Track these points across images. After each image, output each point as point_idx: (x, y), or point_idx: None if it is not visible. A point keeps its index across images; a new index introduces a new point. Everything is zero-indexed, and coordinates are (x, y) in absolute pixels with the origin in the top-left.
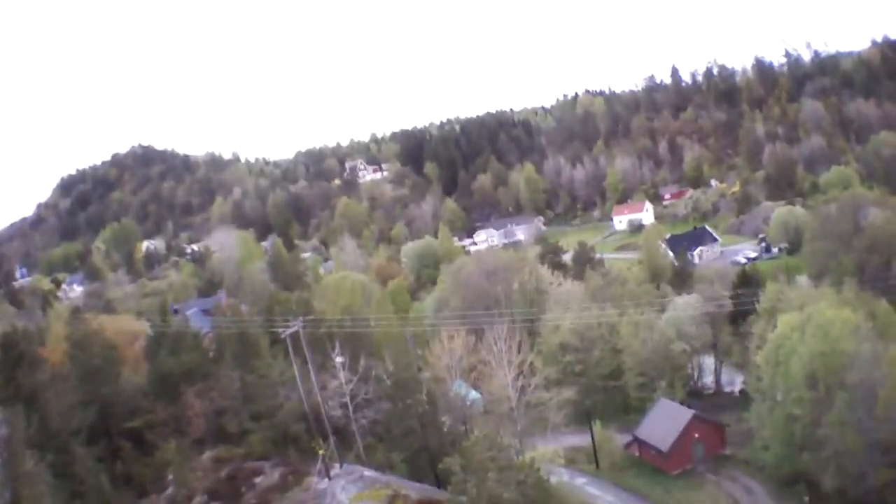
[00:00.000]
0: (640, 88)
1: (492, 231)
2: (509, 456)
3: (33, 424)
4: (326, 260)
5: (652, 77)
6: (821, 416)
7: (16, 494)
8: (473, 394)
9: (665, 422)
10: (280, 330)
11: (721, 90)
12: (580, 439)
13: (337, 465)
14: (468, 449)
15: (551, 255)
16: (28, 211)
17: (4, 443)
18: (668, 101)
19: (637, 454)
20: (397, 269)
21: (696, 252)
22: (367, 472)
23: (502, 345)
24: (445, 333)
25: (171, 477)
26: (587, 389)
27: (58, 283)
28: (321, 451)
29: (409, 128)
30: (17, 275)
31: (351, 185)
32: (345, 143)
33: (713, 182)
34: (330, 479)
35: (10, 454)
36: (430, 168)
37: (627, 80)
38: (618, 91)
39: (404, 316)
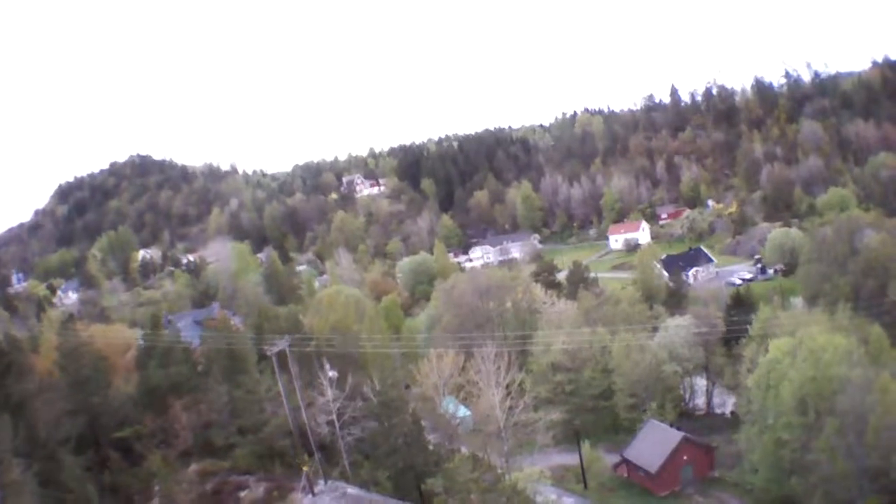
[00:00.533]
0: (638, 108)
1: (488, 248)
2: (493, 477)
3: (21, 433)
4: (321, 274)
5: (651, 97)
6: (810, 441)
7: (2, 502)
8: (463, 410)
9: (654, 443)
10: (267, 348)
11: (720, 110)
12: (569, 458)
13: (321, 482)
14: (452, 470)
15: (545, 274)
16: (26, 217)
17: None
18: (667, 120)
19: (625, 475)
20: (392, 285)
21: (692, 273)
22: (351, 490)
23: (490, 365)
24: (434, 352)
25: (157, 488)
26: (577, 409)
27: (53, 290)
28: (305, 468)
29: (407, 143)
30: (13, 280)
31: (348, 200)
32: (342, 157)
33: (710, 202)
34: (314, 495)
35: None
36: (427, 184)
37: (626, 99)
38: (616, 110)
39: (394, 336)
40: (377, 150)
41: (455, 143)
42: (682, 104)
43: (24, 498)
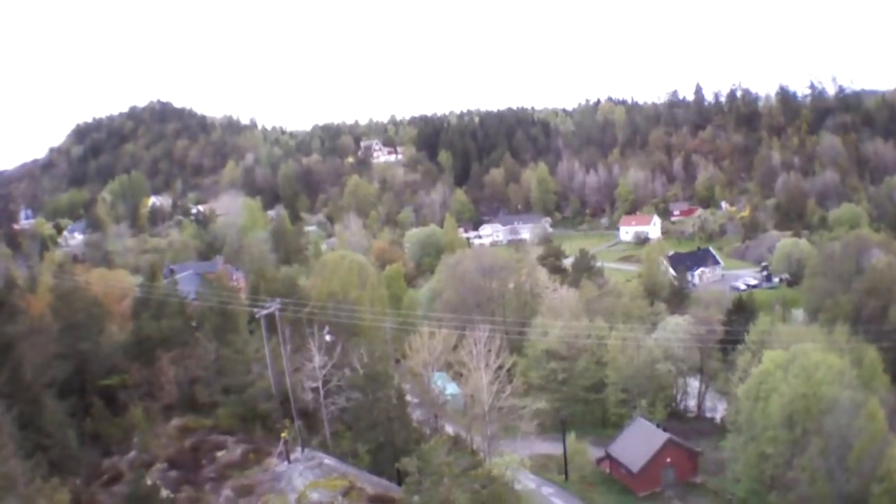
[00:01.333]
0: (661, 102)
1: (498, 226)
2: (470, 462)
3: (5, 374)
4: (330, 236)
5: (675, 92)
6: (793, 458)
7: None
8: (454, 388)
9: (639, 442)
10: (256, 310)
11: (742, 114)
12: (554, 447)
13: (299, 449)
14: (427, 451)
15: (552, 259)
16: (40, 153)
17: None
18: (689, 118)
19: (608, 471)
20: (398, 254)
21: (697, 273)
22: (328, 460)
23: (482, 348)
24: (427, 329)
25: (135, 440)
26: (567, 399)
27: (59, 230)
28: (284, 434)
29: (429, 114)
30: (21, 217)
31: (364, 165)
32: (363, 121)
33: (723, 204)
34: (290, 462)
35: None
36: (444, 156)
37: (650, 92)
38: (640, 102)
39: (393, 307)
40: (398, 118)
41: (476, 119)
42: (706, 103)
43: (2, 439)
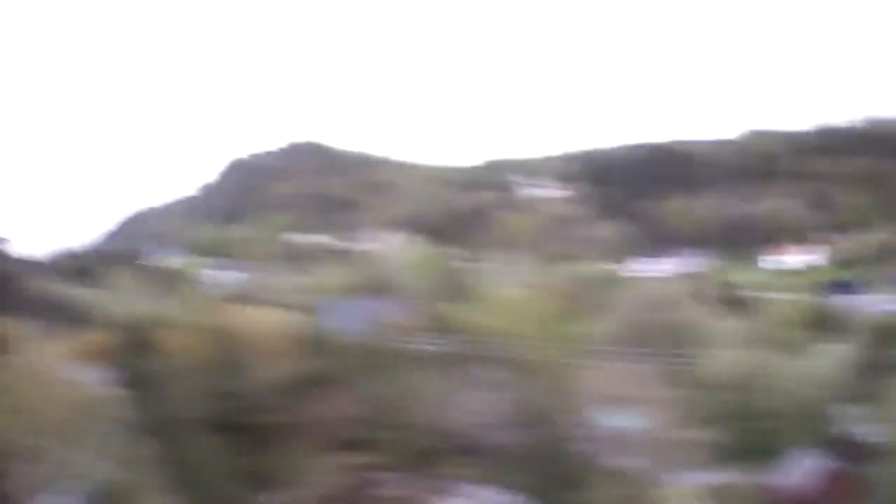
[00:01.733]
0: (813, 130)
1: (662, 260)
2: (639, 496)
3: (156, 411)
4: (494, 273)
5: (825, 121)
6: None
7: (115, 478)
8: (628, 421)
9: (802, 469)
10: (421, 347)
11: (885, 138)
12: (723, 478)
13: (465, 487)
14: (597, 487)
15: (716, 290)
16: (195, 190)
17: (116, 425)
18: (838, 145)
19: (775, 501)
20: (564, 290)
21: (848, 298)
22: (495, 498)
23: (649, 380)
24: (594, 363)
25: (296, 478)
26: (735, 428)
27: (208, 267)
28: (449, 472)
29: (590, 148)
30: (168, 254)
31: (525, 200)
32: (524, 155)
33: (868, 231)
34: (455, 498)
35: (118, 437)
36: (607, 191)
37: (801, 121)
38: (790, 130)
39: (559, 342)
40: (558, 153)
41: (639, 152)
42: (855, 130)
43: (155, 478)
